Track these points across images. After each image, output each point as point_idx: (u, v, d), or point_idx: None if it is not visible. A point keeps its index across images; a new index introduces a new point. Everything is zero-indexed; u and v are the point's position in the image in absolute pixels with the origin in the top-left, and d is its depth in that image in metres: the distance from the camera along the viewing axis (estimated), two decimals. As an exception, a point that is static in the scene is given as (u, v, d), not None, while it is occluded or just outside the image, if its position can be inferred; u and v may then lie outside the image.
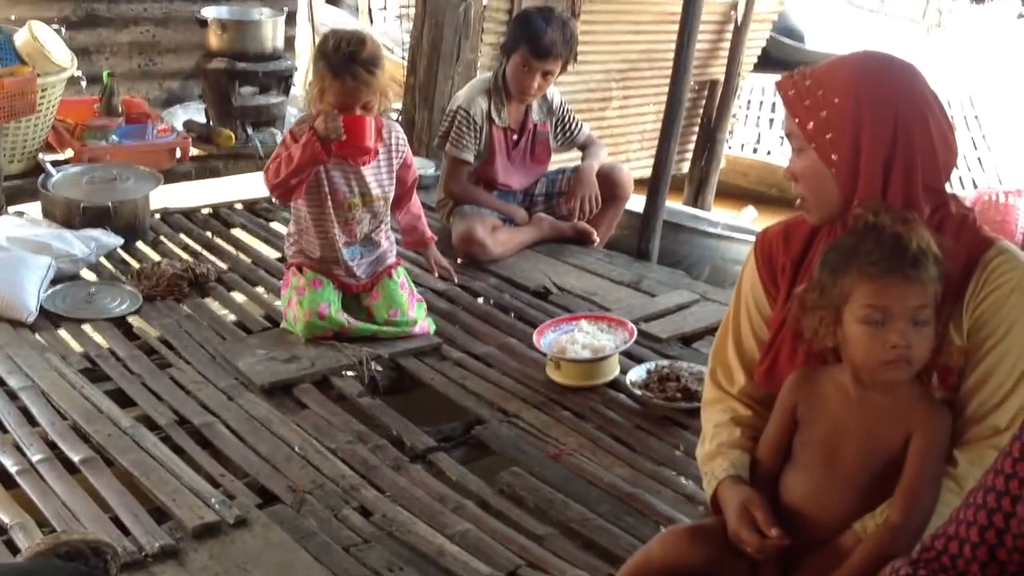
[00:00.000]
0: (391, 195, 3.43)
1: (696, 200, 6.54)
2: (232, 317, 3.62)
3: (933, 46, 11.47)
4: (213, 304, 3.73)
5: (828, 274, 1.78)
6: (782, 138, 8.59)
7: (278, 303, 3.59)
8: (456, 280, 3.89)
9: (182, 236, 4.30)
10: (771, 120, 8.67)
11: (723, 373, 2.06)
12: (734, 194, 7.22)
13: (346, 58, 3.09)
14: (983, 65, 9.47)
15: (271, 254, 4.19)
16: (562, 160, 4.66)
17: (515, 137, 4.24)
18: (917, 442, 1.76)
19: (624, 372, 3.19)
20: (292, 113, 5.13)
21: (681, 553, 1.89)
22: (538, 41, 3.96)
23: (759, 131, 8.57)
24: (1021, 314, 1.78)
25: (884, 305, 1.71)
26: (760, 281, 1.99)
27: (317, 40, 3.28)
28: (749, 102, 8.41)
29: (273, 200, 4.00)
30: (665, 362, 3.23)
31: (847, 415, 1.81)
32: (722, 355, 2.06)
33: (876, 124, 1.78)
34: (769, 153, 8.25)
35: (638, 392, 3.06)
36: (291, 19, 5.77)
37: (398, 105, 5.43)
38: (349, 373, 3.22)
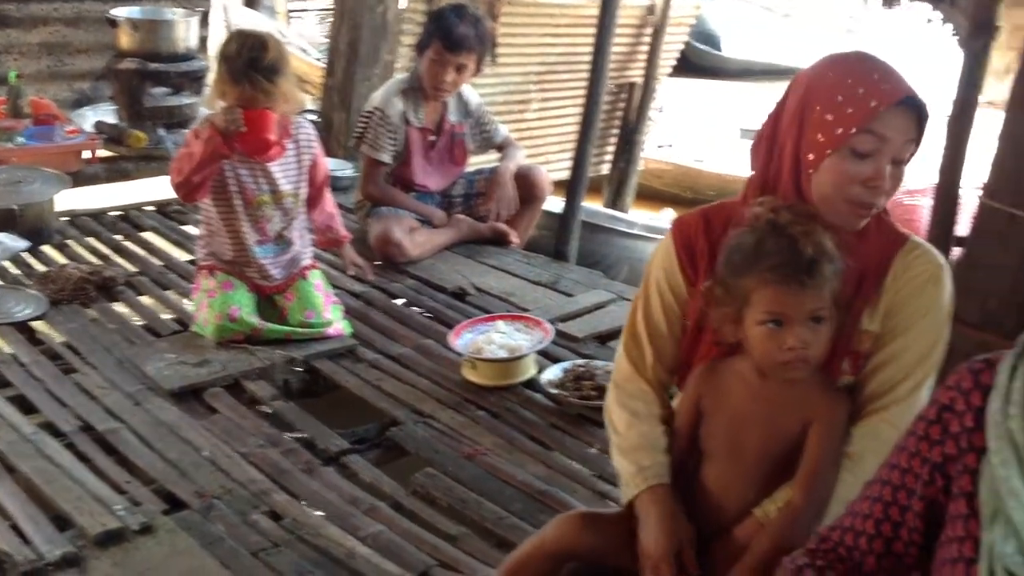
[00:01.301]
0: (302, 192, 3.39)
1: (615, 202, 6.57)
2: (140, 321, 3.54)
3: (844, 50, 11.70)
4: (121, 308, 3.65)
5: (730, 274, 1.80)
6: (695, 140, 8.74)
7: (189, 306, 3.52)
8: (371, 277, 3.87)
9: (90, 239, 4.21)
10: (685, 123, 8.81)
11: (636, 347, 2.02)
12: (652, 196, 7.29)
13: (246, 64, 3.04)
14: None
15: (183, 257, 4.11)
16: (480, 162, 4.65)
17: (432, 138, 4.22)
18: (817, 429, 1.80)
19: (540, 372, 3.18)
20: (205, 114, 5.04)
21: (573, 538, 1.90)
22: (450, 34, 3.96)
23: (674, 134, 8.70)
24: (933, 305, 1.84)
25: (781, 311, 1.74)
26: (677, 261, 1.95)
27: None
28: (663, 106, 8.51)
29: (186, 203, 3.92)
30: (581, 361, 3.24)
31: (749, 405, 1.84)
32: (633, 330, 2.03)
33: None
34: (683, 156, 8.37)
35: (553, 391, 3.06)
36: (205, 20, 5.69)
37: (314, 106, 5.39)
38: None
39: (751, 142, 1.96)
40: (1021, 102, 2.75)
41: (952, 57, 3.09)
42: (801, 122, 1.78)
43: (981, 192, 2.87)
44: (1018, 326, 2.79)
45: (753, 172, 1.93)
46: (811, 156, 1.77)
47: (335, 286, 3.68)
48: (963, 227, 3.11)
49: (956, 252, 3.15)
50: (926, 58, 9.94)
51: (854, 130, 1.73)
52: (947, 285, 1.86)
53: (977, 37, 2.93)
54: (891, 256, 1.85)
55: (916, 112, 1.76)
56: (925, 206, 3.14)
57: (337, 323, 3.41)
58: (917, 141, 1.79)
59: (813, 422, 1.80)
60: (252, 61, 3.04)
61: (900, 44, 11.85)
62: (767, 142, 1.88)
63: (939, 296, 1.85)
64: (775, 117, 1.87)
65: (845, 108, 1.73)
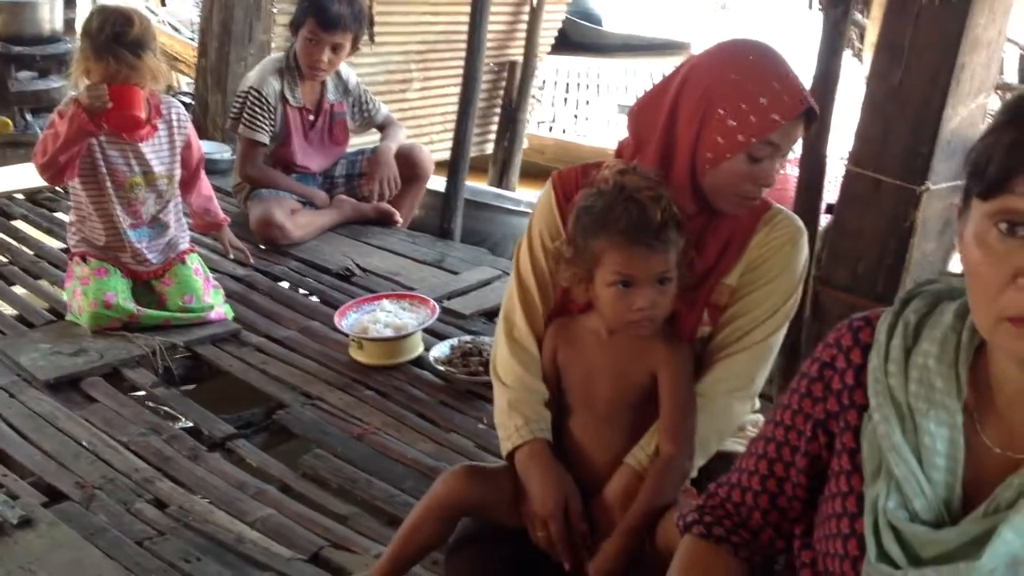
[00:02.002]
0: (176, 174, 3.31)
1: (501, 181, 6.58)
2: (12, 312, 3.42)
3: (717, 26, 11.97)
4: (-9, 299, 3.52)
5: (580, 235, 1.86)
6: (576, 116, 8.85)
7: (63, 295, 3.41)
8: (252, 262, 3.81)
9: (-45, 229, 4.04)
10: (565, 99, 8.90)
11: (525, 314, 2.04)
12: (536, 174, 7.29)
13: (109, 39, 2.95)
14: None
15: (55, 245, 3.99)
16: (362, 142, 4.60)
17: (311, 117, 4.16)
18: (665, 375, 1.89)
19: (428, 349, 3.19)
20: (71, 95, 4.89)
21: (462, 490, 1.94)
22: (325, 12, 3.90)
23: (554, 110, 8.78)
24: (790, 264, 1.96)
25: (630, 273, 1.81)
26: (557, 211, 2.00)
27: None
28: (544, 82, 8.57)
29: (53, 186, 3.80)
30: (468, 338, 3.25)
31: (599, 357, 1.93)
32: (520, 281, 2.06)
33: None
34: (564, 131, 8.46)
35: (441, 368, 3.07)
36: (70, 1, 5.49)
37: (188, 87, 5.26)
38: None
39: (629, 109, 2.01)
40: (880, 72, 2.85)
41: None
42: (702, 120, 1.85)
43: (847, 160, 2.98)
44: (887, 288, 2.92)
45: (629, 136, 1.99)
46: (709, 155, 1.85)
47: (215, 270, 3.61)
48: (832, 195, 3.21)
49: (826, 219, 3.26)
50: (795, 31, 10.20)
51: (755, 140, 1.81)
52: (803, 248, 1.98)
53: (835, 5, 3.03)
54: (755, 222, 1.96)
55: (807, 115, 1.86)
56: (794, 175, 3.25)
57: (218, 307, 3.36)
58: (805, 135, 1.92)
59: (659, 371, 1.89)
60: (116, 36, 2.95)
61: (771, 18, 12.16)
62: (651, 124, 1.92)
63: (795, 256, 1.97)
64: (663, 102, 1.90)
65: (748, 117, 1.81)
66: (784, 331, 1.99)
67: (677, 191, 1.87)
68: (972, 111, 2.82)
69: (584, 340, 1.95)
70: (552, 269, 2.01)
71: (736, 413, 1.99)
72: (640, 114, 1.97)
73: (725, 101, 1.83)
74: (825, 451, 1.31)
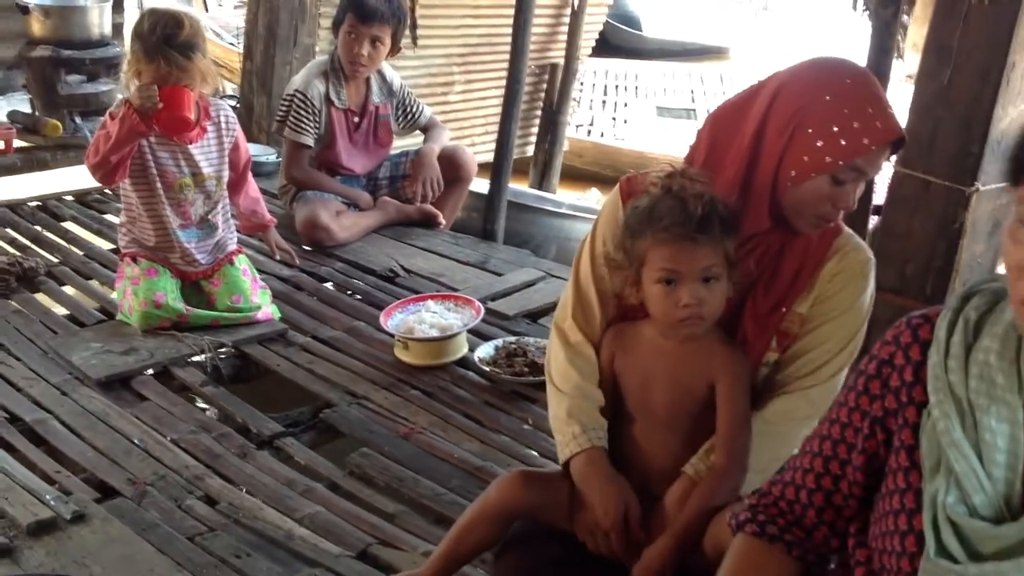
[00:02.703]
0: (224, 175, 3.34)
1: (541, 183, 6.60)
2: (64, 311, 3.48)
3: (759, 29, 11.91)
4: (43, 299, 3.57)
5: (627, 237, 1.87)
6: (614, 119, 8.86)
7: (113, 295, 3.46)
8: (297, 263, 3.84)
9: (8, 230, 4.10)
10: (604, 102, 8.90)
11: (583, 317, 2.04)
12: (575, 176, 7.34)
13: (160, 41, 2.99)
14: (807, 46, 9.88)
15: (104, 246, 4.04)
16: (405, 144, 4.63)
17: (356, 119, 4.20)
18: (723, 387, 1.89)
19: (472, 350, 3.20)
20: (121, 98, 4.95)
21: (516, 497, 1.96)
22: (362, 6, 3.95)
23: (592, 113, 8.78)
24: (859, 297, 1.96)
25: (675, 268, 1.82)
26: (623, 216, 1.98)
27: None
28: (583, 85, 8.59)
29: (104, 187, 3.85)
30: (512, 338, 3.26)
31: (655, 364, 1.93)
32: (581, 298, 2.05)
33: None
34: (603, 135, 8.46)
35: (486, 368, 3.08)
36: (118, 5, 5.57)
37: (232, 91, 5.32)
38: (200, 357, 3.13)
39: (708, 115, 2.02)
40: (929, 72, 2.84)
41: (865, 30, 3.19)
42: (791, 137, 1.84)
43: (896, 161, 2.96)
44: (935, 291, 2.90)
45: (703, 142, 1.97)
46: (794, 172, 1.84)
47: (261, 271, 3.65)
48: (879, 196, 3.20)
49: (874, 220, 3.24)
50: (838, 33, 10.14)
51: (841, 163, 1.80)
52: (872, 279, 1.98)
53: (886, 6, 3.02)
54: (828, 244, 1.95)
55: (894, 145, 1.86)
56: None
57: (265, 307, 3.39)
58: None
59: (718, 379, 1.89)
60: (167, 38, 2.99)
61: (813, 19, 12.09)
62: (732, 137, 1.92)
63: (865, 288, 1.97)
64: (747, 116, 1.90)
65: (838, 140, 1.80)
66: (850, 367, 1.97)
67: (755, 205, 1.87)
68: (1022, 111, 2.79)
69: (642, 347, 1.96)
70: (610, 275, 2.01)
71: (801, 438, 1.98)
72: (720, 122, 1.97)
73: (817, 121, 1.82)
74: (883, 448, 1.31)
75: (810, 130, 1.82)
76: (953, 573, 1.16)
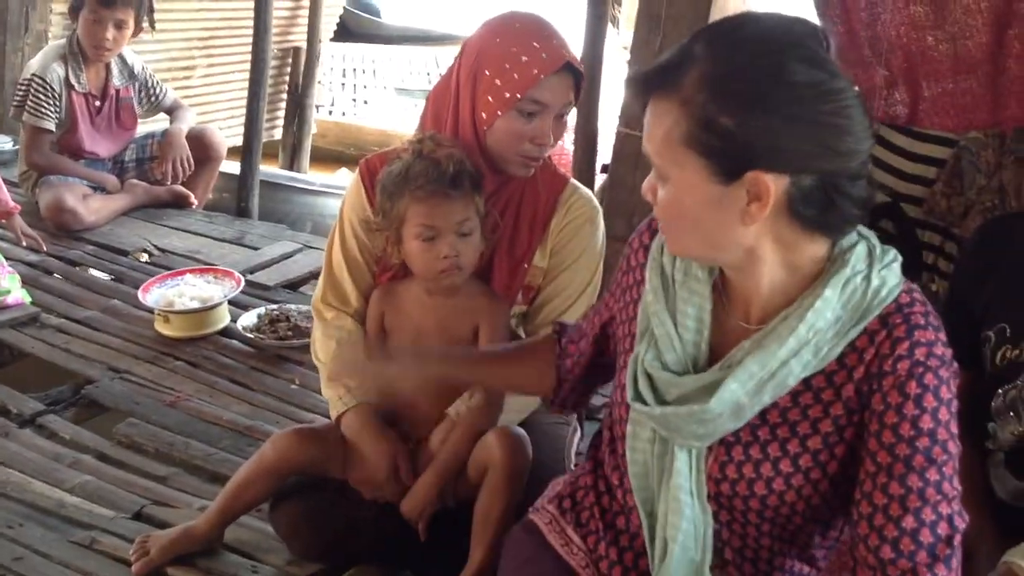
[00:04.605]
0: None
1: (292, 165, 6.63)
2: None
3: (509, 13, 12.25)
4: None
5: (386, 199, 2.01)
6: (354, 100, 9.06)
7: None
8: (45, 249, 3.77)
9: None
10: (343, 84, 9.13)
11: (336, 297, 2.17)
12: (320, 158, 7.38)
13: None
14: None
15: None
16: (151, 128, 4.58)
17: (97, 103, 4.13)
18: (484, 327, 2.06)
19: (234, 320, 3.27)
20: None
21: (291, 453, 2.08)
22: None
23: (332, 95, 8.94)
24: (590, 242, 2.14)
25: (432, 223, 1.97)
26: (365, 195, 2.12)
27: None
28: (332, 68, 8.73)
29: None
30: (274, 306, 3.35)
31: (424, 318, 2.09)
32: (330, 268, 2.19)
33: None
34: (344, 115, 8.65)
35: (250, 335, 3.16)
36: None
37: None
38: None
39: (423, 101, 2.18)
40: (642, 41, 3.16)
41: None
42: (475, 84, 2.00)
43: (619, 122, 3.27)
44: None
45: (428, 116, 2.13)
46: (484, 115, 2.00)
47: (8, 258, 3.56)
48: (606, 156, 3.50)
49: (602, 179, 3.55)
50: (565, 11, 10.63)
51: (519, 96, 1.96)
52: (600, 225, 2.17)
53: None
54: (555, 198, 2.13)
55: (573, 75, 2.01)
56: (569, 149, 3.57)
57: (15, 292, 3.33)
58: (576, 99, 2.05)
59: (480, 325, 2.06)
60: None
61: (556, 3, 12.57)
62: (444, 100, 2.07)
63: (593, 234, 2.15)
64: (450, 78, 2.07)
65: (512, 74, 1.96)
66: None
67: (473, 160, 2.01)
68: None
69: (410, 304, 2.09)
70: (363, 246, 2.14)
71: None
72: (435, 92, 2.13)
73: (492, 62, 1.97)
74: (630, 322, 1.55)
75: (487, 72, 1.98)
76: (643, 413, 1.40)
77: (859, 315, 1.30)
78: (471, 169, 1.98)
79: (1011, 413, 1.68)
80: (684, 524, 1.39)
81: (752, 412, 1.34)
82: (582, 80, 2.05)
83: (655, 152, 1.30)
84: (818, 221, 1.28)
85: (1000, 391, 1.71)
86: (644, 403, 1.39)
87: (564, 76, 1.99)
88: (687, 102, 1.25)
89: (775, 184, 1.23)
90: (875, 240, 1.35)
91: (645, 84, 1.31)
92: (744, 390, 1.32)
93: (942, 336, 1.31)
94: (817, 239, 1.31)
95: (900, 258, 1.35)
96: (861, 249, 1.32)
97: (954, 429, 1.30)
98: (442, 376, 1.93)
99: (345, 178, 6.46)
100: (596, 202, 2.19)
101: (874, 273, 1.31)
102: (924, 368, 1.28)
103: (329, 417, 2.16)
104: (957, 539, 1.28)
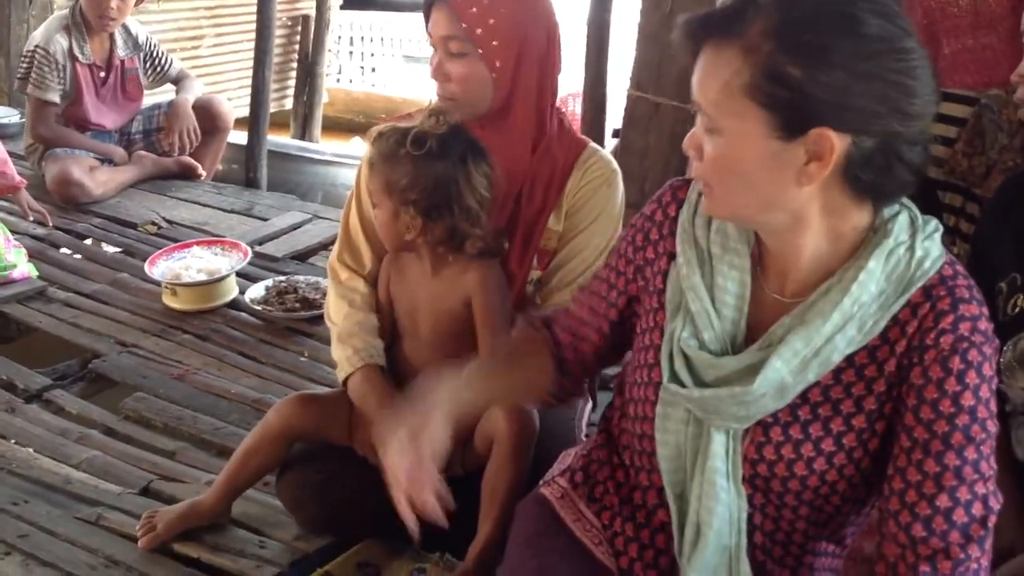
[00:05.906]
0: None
1: (303, 134, 6.59)
2: None
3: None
4: None
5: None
6: (362, 68, 8.98)
7: None
8: (51, 223, 3.74)
9: None
10: (351, 52, 9.05)
11: (351, 258, 2.15)
12: (329, 127, 7.34)
13: None
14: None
15: None
16: (158, 98, 4.54)
17: (102, 74, 4.09)
18: (476, 299, 2.00)
19: (242, 292, 3.23)
20: None
21: (296, 418, 2.06)
22: None
23: (339, 62, 8.89)
24: (607, 204, 2.08)
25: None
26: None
27: None
28: (340, 38, 8.68)
29: None
30: (282, 278, 3.31)
31: (419, 291, 2.05)
32: (347, 232, 2.16)
33: (536, 37, 1.98)
34: (352, 82, 8.52)
35: (258, 308, 3.13)
36: None
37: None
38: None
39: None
40: (653, 2, 3.08)
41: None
42: None
43: (630, 84, 3.20)
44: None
45: None
46: None
47: (14, 231, 3.53)
48: (617, 120, 3.43)
49: (614, 143, 3.49)
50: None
51: (429, 36, 1.98)
52: (618, 186, 2.10)
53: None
54: (572, 161, 2.07)
55: (450, 9, 1.94)
56: (578, 110, 3.48)
57: (22, 266, 3.30)
58: (460, 35, 1.94)
59: (472, 295, 2.00)
60: None
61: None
62: None
63: (612, 196, 2.08)
64: None
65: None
66: None
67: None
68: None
69: (411, 274, 2.06)
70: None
71: None
72: None
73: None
74: (645, 294, 1.47)
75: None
76: (680, 396, 1.34)
77: (902, 287, 1.24)
78: (453, 140, 1.92)
79: (1019, 366, 1.62)
80: (720, 509, 1.33)
81: (795, 392, 1.28)
82: (465, 13, 1.93)
83: (711, 102, 1.22)
84: (872, 186, 1.21)
85: (1008, 344, 1.65)
86: (682, 385, 1.33)
87: (440, 10, 1.95)
88: (752, 50, 1.17)
89: (839, 143, 1.17)
90: (916, 210, 1.29)
91: (703, 29, 1.23)
92: (788, 369, 1.26)
93: (985, 311, 1.25)
94: (864, 207, 1.24)
95: (941, 228, 1.29)
96: (903, 219, 1.26)
97: (994, 407, 1.24)
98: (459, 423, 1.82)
99: (358, 147, 6.41)
100: (615, 164, 2.13)
101: (917, 243, 1.25)
102: (968, 343, 1.22)
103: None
104: (991, 520, 1.23)
